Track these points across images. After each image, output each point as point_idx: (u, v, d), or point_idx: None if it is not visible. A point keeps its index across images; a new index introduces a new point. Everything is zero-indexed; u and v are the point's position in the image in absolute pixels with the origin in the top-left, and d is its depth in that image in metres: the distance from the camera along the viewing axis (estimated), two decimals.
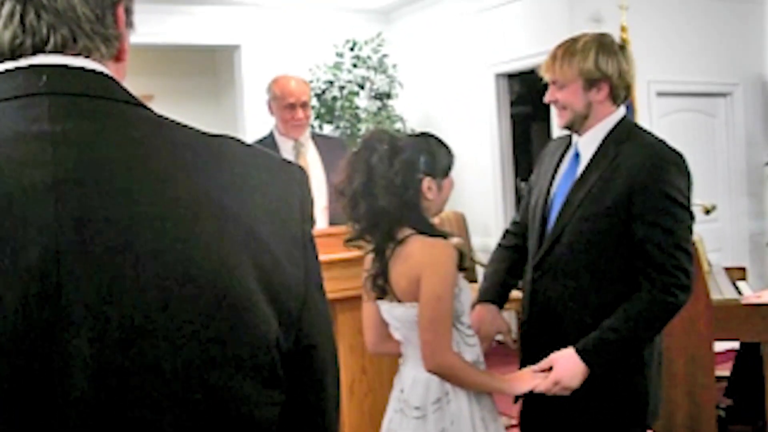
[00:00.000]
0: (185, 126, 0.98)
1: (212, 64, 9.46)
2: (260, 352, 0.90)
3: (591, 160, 2.60)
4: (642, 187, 2.46)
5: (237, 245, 0.89)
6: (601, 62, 2.60)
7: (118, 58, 1.01)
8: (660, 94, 6.72)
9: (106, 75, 0.96)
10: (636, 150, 2.54)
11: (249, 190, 0.94)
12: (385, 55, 7.57)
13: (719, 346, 4.86)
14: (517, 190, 7.56)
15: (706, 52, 7.05)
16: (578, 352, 2.46)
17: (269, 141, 3.88)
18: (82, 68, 0.94)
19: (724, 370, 5.03)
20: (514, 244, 2.95)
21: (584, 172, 2.60)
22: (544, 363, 2.50)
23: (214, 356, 0.87)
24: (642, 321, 2.47)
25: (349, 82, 7.43)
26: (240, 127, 7.69)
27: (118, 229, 0.85)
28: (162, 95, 8.96)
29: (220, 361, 0.87)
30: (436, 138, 2.55)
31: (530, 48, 6.72)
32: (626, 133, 2.62)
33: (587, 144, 2.64)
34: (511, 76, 7.34)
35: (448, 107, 7.75)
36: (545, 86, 2.72)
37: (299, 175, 1.02)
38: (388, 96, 7.58)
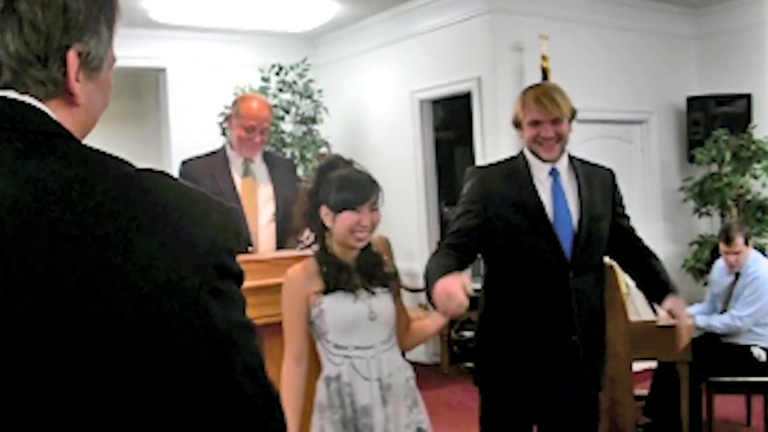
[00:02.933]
0: (111, 160, 0.97)
1: (136, 87, 9.36)
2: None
3: (577, 176, 3.17)
4: (616, 190, 3.29)
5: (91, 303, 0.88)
6: (572, 102, 3.22)
7: (70, 102, 1.00)
8: (579, 121, 6.86)
9: (25, 103, 0.95)
10: (592, 166, 3.29)
11: (140, 237, 0.91)
12: (310, 80, 7.61)
13: (637, 366, 4.99)
14: (441, 215, 7.65)
15: (623, 81, 7.28)
16: (675, 292, 3.20)
17: (221, 155, 3.94)
18: None
19: (642, 389, 5.15)
20: (459, 254, 3.05)
21: (580, 184, 3.15)
22: (677, 309, 3.15)
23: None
24: None
25: (275, 106, 7.43)
26: (165, 150, 7.63)
27: None
28: None
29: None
30: (344, 175, 2.72)
31: (454, 75, 6.84)
32: (572, 156, 3.28)
33: (563, 166, 3.18)
34: (434, 102, 7.45)
35: (373, 132, 7.81)
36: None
37: (219, 221, 0.99)
38: (314, 121, 7.60)
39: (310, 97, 7.59)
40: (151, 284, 0.90)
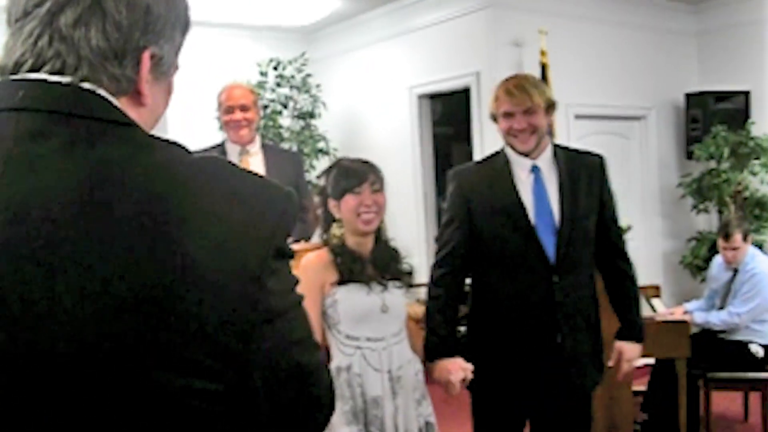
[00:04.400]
0: (176, 148, 1.00)
1: None
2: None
3: (559, 172, 3.06)
4: (604, 178, 3.13)
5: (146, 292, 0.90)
6: (550, 93, 3.09)
7: (137, 102, 1.03)
8: (578, 116, 6.89)
9: (94, 92, 0.98)
10: (579, 154, 3.17)
11: (205, 221, 0.95)
12: (308, 75, 7.58)
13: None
14: (439, 211, 7.63)
15: (622, 77, 7.27)
16: (633, 338, 3.15)
17: (220, 148, 4.07)
18: (59, 83, 0.96)
19: (640, 385, 5.15)
20: (457, 292, 3.15)
21: (562, 181, 3.04)
22: (615, 356, 3.15)
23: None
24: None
25: (273, 101, 7.42)
26: None
27: (38, 261, 0.88)
28: None
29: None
30: (342, 165, 2.85)
31: (452, 70, 6.82)
32: (560, 147, 3.17)
33: (545, 161, 3.08)
34: (433, 97, 7.43)
35: (371, 127, 7.79)
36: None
37: (279, 204, 1.03)
38: (311, 116, 7.58)
39: (308, 91, 7.57)
40: (216, 266, 0.94)
